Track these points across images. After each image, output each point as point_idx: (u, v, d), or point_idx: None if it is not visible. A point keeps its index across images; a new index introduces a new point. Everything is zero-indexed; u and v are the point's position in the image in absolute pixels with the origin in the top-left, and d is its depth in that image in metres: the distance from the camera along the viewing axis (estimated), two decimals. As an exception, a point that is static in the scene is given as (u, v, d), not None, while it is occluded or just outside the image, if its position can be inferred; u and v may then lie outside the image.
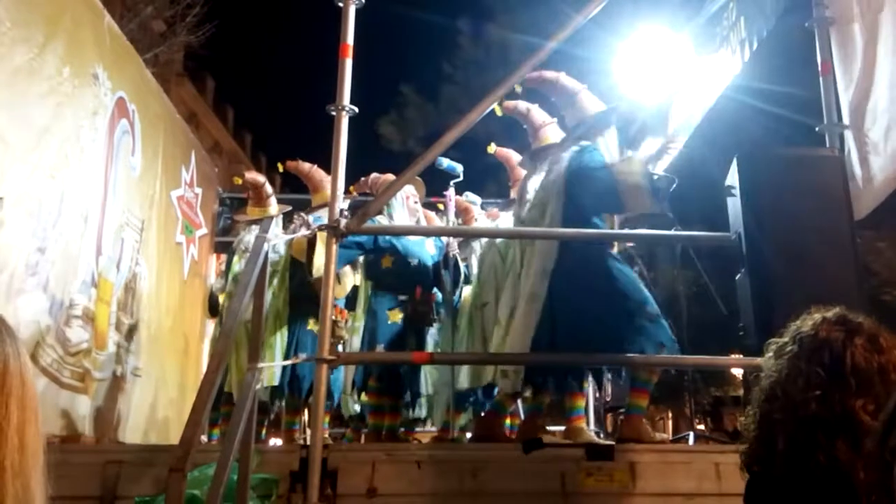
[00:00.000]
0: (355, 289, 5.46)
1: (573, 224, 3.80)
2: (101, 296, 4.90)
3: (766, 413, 1.57)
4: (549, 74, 4.19)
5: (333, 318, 5.37)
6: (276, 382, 5.03)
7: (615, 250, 4.04)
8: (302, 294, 5.18)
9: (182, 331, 6.74)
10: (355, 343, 4.88)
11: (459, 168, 4.96)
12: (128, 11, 11.74)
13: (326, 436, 5.33)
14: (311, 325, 5.11)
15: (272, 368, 5.01)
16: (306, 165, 5.72)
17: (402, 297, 4.81)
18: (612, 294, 3.70)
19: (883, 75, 3.50)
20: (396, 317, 4.74)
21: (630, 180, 3.67)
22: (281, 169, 5.95)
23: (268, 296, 5.54)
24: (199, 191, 7.20)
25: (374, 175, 5.32)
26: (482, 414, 4.54)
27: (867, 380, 1.48)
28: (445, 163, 4.88)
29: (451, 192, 5.10)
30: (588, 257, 3.80)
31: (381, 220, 4.78)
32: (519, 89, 4.16)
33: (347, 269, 5.45)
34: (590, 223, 3.88)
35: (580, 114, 4.18)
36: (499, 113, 4.35)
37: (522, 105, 4.52)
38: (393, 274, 4.85)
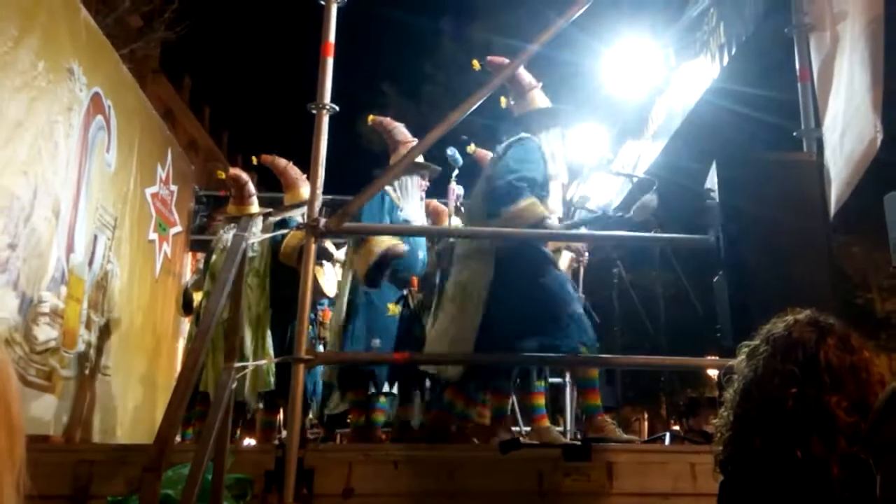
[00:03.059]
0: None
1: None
2: (71, 293, 4.83)
3: (741, 412, 1.59)
4: (507, 61, 4.14)
5: (320, 318, 5.31)
6: (271, 387, 4.96)
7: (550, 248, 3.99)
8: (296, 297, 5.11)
9: (154, 329, 6.67)
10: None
11: (460, 161, 4.91)
12: (104, 6, 11.58)
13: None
14: None
15: (267, 375, 4.95)
16: (282, 161, 5.64)
17: (405, 292, 4.67)
18: (537, 293, 3.73)
19: (842, 82, 3.58)
20: (395, 310, 4.57)
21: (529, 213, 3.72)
22: (255, 162, 5.83)
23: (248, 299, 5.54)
24: (174, 188, 7.13)
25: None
26: (431, 412, 4.44)
27: (840, 377, 1.52)
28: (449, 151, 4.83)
29: (453, 184, 5.05)
30: (520, 256, 3.82)
31: (391, 193, 4.65)
32: (477, 67, 4.13)
33: (329, 268, 5.38)
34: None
35: (526, 105, 4.16)
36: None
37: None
38: (400, 266, 4.66)
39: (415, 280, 4.68)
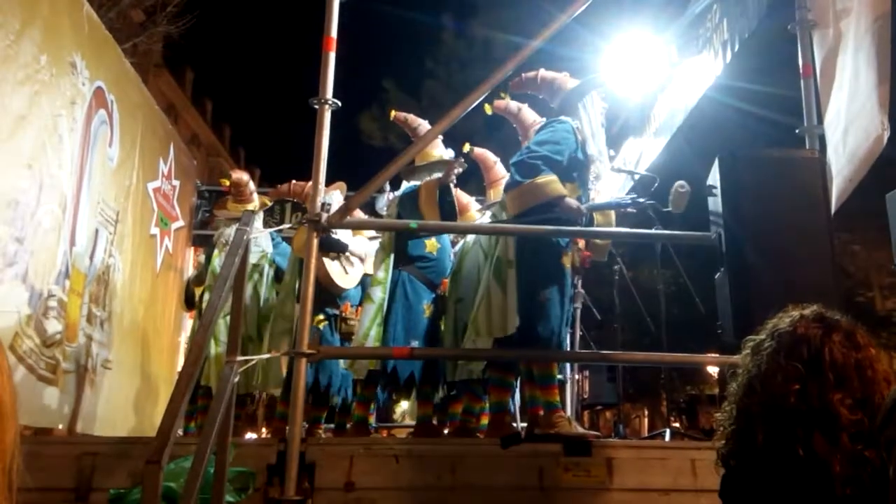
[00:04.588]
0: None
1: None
2: (73, 287, 4.84)
3: (744, 407, 1.59)
4: (529, 73, 4.18)
5: (342, 313, 5.29)
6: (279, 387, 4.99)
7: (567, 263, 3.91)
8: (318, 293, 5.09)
9: (154, 323, 6.69)
10: (372, 334, 4.44)
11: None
12: (106, 0, 11.56)
13: (320, 431, 5.29)
14: (316, 321, 5.05)
15: (278, 371, 4.96)
16: (284, 187, 5.73)
17: (437, 292, 4.62)
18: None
19: (844, 79, 3.59)
20: (430, 311, 4.53)
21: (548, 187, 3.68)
22: (269, 203, 6.01)
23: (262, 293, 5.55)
24: (176, 183, 7.14)
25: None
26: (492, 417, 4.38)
27: (845, 375, 1.50)
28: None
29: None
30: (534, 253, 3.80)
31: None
32: (506, 98, 4.15)
33: (356, 260, 5.35)
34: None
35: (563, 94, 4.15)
36: (489, 112, 4.33)
37: (514, 104, 4.50)
38: (435, 262, 4.66)
39: (445, 282, 4.68)
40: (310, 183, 5.36)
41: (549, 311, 3.67)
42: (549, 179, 3.71)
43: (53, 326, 4.53)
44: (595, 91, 4.14)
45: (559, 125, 3.93)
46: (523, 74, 4.21)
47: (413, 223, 4.47)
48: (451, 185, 4.64)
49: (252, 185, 6.05)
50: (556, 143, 3.84)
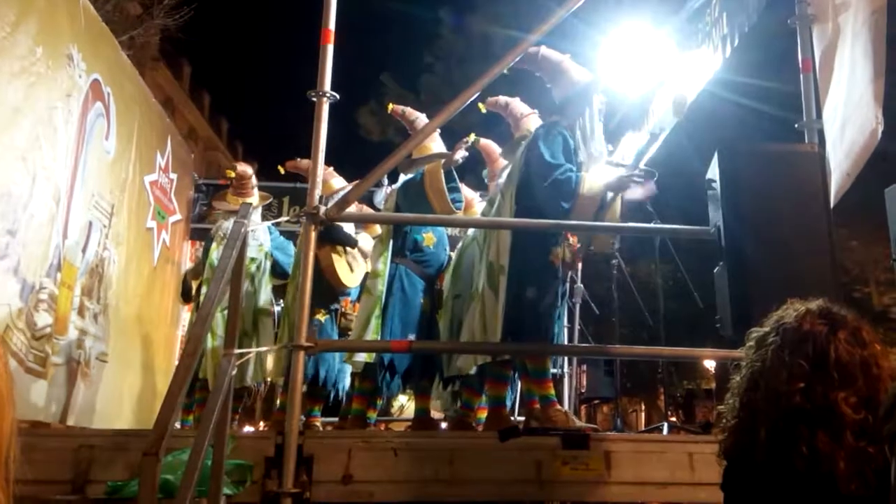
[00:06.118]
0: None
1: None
2: (64, 280, 4.82)
3: (747, 402, 1.57)
4: (531, 49, 4.16)
5: (342, 308, 5.29)
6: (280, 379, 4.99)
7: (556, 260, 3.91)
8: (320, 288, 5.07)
9: (151, 316, 6.67)
10: (371, 326, 4.42)
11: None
12: (103, -8, 11.49)
13: (318, 424, 5.29)
14: (318, 315, 5.05)
15: (278, 363, 4.96)
16: (305, 163, 5.69)
17: (434, 286, 4.62)
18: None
19: (842, 75, 3.59)
20: (427, 305, 4.53)
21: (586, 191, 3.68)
22: (282, 171, 5.94)
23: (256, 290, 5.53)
24: (173, 176, 7.12)
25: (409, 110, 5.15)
26: (490, 411, 4.32)
27: (850, 373, 1.48)
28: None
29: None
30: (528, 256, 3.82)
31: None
32: (506, 70, 4.12)
33: (359, 257, 5.34)
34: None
35: (565, 83, 4.15)
36: (482, 110, 4.36)
37: (502, 100, 4.56)
38: (430, 256, 4.66)
39: (443, 277, 4.67)
40: (330, 168, 5.39)
41: (539, 308, 3.71)
42: (586, 183, 3.75)
43: (44, 319, 4.51)
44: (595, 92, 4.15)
45: (557, 134, 3.94)
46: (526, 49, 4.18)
47: (416, 233, 4.50)
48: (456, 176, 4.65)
49: (254, 180, 6.05)
50: (563, 152, 3.88)
